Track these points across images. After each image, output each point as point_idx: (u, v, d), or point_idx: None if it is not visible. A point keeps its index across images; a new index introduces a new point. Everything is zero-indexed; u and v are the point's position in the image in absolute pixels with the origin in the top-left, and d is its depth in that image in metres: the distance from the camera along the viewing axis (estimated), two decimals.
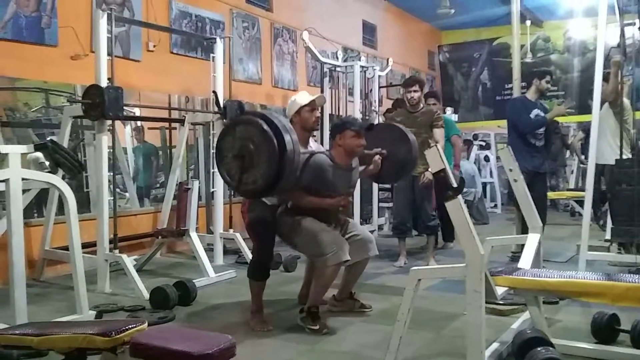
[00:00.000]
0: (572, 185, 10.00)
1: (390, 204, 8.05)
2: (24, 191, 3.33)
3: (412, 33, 12.11)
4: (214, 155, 3.31)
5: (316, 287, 3.58)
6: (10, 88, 5.10)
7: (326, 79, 7.08)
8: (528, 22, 10.34)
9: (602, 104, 5.03)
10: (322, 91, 7.05)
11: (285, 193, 3.54)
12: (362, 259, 3.77)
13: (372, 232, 7.19)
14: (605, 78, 4.95)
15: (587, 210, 4.73)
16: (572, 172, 10.30)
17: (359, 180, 4.36)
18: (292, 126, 3.44)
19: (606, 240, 5.52)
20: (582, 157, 8.78)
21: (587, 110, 8.93)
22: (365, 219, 7.14)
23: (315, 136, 4.15)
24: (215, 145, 3.34)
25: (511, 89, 5.74)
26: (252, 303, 3.68)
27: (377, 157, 3.93)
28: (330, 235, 3.50)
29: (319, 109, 3.87)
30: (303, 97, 3.76)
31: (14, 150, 3.14)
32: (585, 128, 8.12)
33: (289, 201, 3.65)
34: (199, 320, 3.79)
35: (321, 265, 3.49)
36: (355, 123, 3.72)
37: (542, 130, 5.27)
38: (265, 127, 3.11)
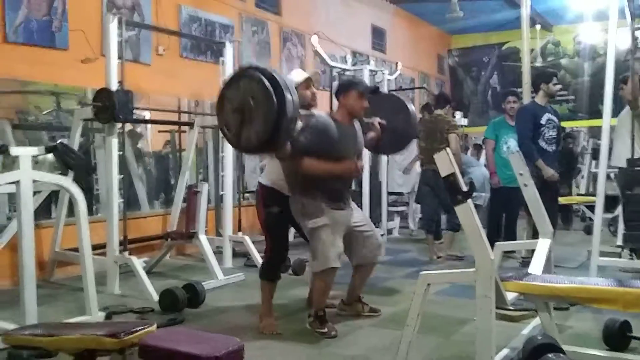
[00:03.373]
0: (582, 191, 9.93)
1: (401, 209, 8.06)
2: (34, 193, 3.35)
3: (421, 37, 12.09)
4: (216, 104, 3.27)
5: (315, 291, 3.59)
6: (22, 91, 5.15)
7: (335, 83, 7.08)
8: (538, 26, 10.31)
9: (623, 106, 5.01)
10: (331, 96, 7.05)
11: (294, 164, 3.44)
12: (369, 263, 3.76)
13: (381, 236, 7.20)
14: (625, 80, 4.92)
15: (598, 216, 4.69)
16: (582, 177, 10.23)
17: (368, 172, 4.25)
18: None
19: (618, 246, 5.47)
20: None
21: (597, 115, 8.90)
22: (375, 223, 7.11)
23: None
24: (218, 94, 3.30)
25: (521, 93, 5.70)
26: (262, 306, 3.68)
27: (375, 123, 3.90)
28: (326, 238, 3.45)
29: (315, 85, 3.85)
30: (298, 75, 3.74)
31: (25, 153, 3.16)
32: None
33: (298, 180, 3.54)
34: (207, 322, 3.79)
35: (312, 270, 3.52)
36: (361, 84, 3.69)
37: (554, 134, 5.24)
38: (267, 84, 3.03)
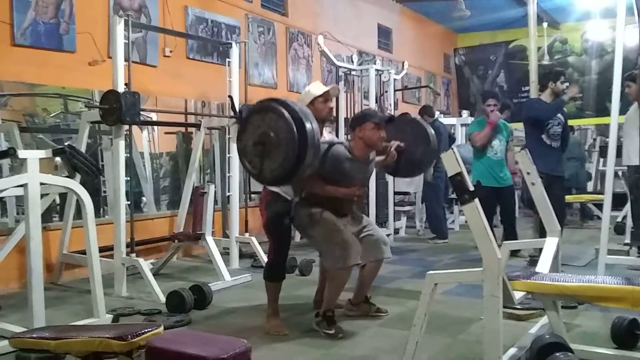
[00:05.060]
0: (590, 189, 9.88)
1: (408, 208, 8.05)
2: (42, 195, 3.36)
3: (427, 36, 12.07)
4: (236, 143, 3.28)
5: (329, 290, 3.58)
6: (30, 94, 5.17)
7: (341, 83, 7.08)
8: (545, 24, 10.25)
9: (630, 103, 4.99)
10: (337, 95, 7.04)
11: (301, 181, 3.48)
12: (375, 260, 3.74)
13: (387, 236, 7.19)
14: (634, 78, 4.88)
15: (606, 214, 4.66)
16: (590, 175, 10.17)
17: (374, 173, 4.28)
18: None
19: (625, 244, 5.44)
20: None
21: (604, 112, 8.85)
22: (381, 222, 7.12)
23: (329, 127, 4.11)
24: (237, 134, 3.30)
25: (528, 91, 5.68)
26: (268, 306, 3.68)
27: (393, 149, 3.87)
28: (344, 237, 3.46)
29: (333, 99, 3.85)
30: (317, 88, 3.74)
31: (33, 155, 3.17)
32: None
33: (304, 190, 3.62)
34: (214, 324, 3.80)
35: (331, 268, 3.49)
36: (376, 115, 3.71)
37: (559, 130, 5.21)
38: (287, 114, 3.04)
